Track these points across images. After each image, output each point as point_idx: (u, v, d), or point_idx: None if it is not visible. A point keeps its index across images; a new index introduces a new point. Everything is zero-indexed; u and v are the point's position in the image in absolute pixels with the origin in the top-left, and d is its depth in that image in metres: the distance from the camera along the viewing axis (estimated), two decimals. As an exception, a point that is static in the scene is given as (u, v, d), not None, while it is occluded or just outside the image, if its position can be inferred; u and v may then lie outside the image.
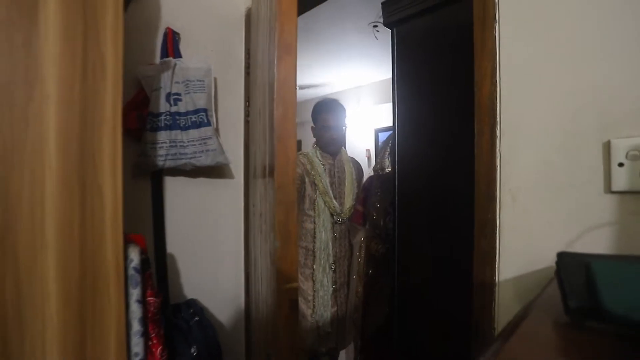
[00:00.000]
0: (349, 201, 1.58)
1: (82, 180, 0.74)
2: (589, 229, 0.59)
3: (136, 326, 0.79)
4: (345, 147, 1.82)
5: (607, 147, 0.57)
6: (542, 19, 0.65)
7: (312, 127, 1.69)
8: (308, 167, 1.55)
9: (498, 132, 0.71)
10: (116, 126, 0.78)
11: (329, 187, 1.53)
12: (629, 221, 0.56)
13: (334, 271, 1.56)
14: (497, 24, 0.71)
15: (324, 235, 1.52)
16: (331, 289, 1.55)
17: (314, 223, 1.53)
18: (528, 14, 0.67)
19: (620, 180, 0.56)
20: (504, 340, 0.33)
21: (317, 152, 1.61)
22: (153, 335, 0.84)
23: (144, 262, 0.83)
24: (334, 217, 1.54)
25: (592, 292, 0.33)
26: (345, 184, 1.60)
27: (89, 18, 0.75)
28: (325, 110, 1.61)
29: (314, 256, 1.53)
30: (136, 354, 0.79)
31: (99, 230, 0.75)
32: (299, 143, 4.91)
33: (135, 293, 0.79)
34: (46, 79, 0.70)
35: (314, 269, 1.53)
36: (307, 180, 1.53)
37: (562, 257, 0.39)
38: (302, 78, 3.90)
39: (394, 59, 1.08)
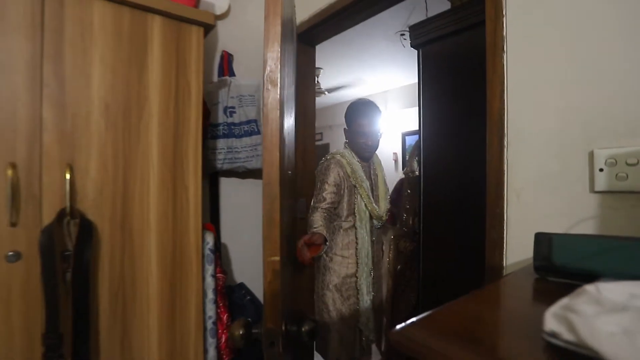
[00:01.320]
0: (384, 204, 1.53)
1: (174, 180, 0.98)
2: (577, 221, 0.75)
3: (210, 294, 1.02)
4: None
5: (591, 156, 0.73)
6: (540, 50, 0.82)
7: (344, 129, 1.57)
8: (348, 170, 1.44)
9: (505, 142, 0.87)
10: (198, 137, 1.02)
11: (370, 191, 1.48)
12: (607, 214, 0.71)
13: (372, 276, 1.50)
14: (505, 53, 0.87)
15: (367, 240, 1.46)
16: (372, 294, 1.48)
17: (355, 228, 1.44)
18: (530, 46, 0.84)
19: (601, 182, 0.71)
20: (489, 284, 0.51)
21: (352, 153, 1.51)
22: (221, 304, 1.07)
23: (216, 245, 1.06)
24: (374, 220, 1.49)
25: (549, 254, 0.50)
26: (379, 187, 1.55)
27: (179, 55, 0.99)
28: (361, 115, 1.49)
29: (357, 264, 1.43)
30: (210, 317, 1.02)
31: (185, 219, 1.00)
32: (327, 146, 5.11)
33: (210, 269, 1.02)
34: (151, 102, 0.95)
35: (357, 277, 1.43)
36: (344, 185, 1.43)
37: (537, 235, 0.56)
38: (331, 83, 4.10)
39: (419, 75, 1.26)
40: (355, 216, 1.43)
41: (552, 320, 0.30)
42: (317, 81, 3.70)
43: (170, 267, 0.97)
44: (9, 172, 0.75)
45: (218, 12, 1.50)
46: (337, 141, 4.75)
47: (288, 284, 0.80)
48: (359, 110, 1.51)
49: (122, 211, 0.90)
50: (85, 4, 0.85)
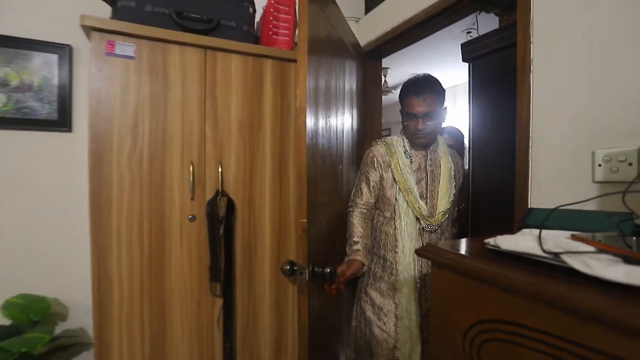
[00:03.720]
0: (443, 203, 1.27)
1: (280, 172, 1.44)
2: (582, 205, 1.00)
3: (303, 254, 1.47)
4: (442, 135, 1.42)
5: (593, 155, 0.97)
6: (558, 70, 1.06)
7: (400, 110, 1.35)
8: (387, 158, 1.29)
9: (530, 143, 1.13)
10: (294, 142, 1.47)
11: (414, 185, 1.26)
12: (604, 199, 0.95)
13: (419, 292, 1.25)
14: (532, 72, 1.13)
15: (408, 244, 1.24)
16: (419, 316, 1.23)
17: (394, 227, 1.27)
18: (550, 66, 1.08)
19: (599, 174, 0.95)
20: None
21: (404, 139, 1.32)
22: (309, 262, 1.51)
23: (306, 219, 1.50)
24: (421, 222, 1.25)
25: (526, 219, 0.80)
26: (440, 182, 1.30)
27: (283, 84, 1.44)
28: (411, 92, 1.26)
29: (396, 270, 1.25)
30: (302, 270, 1.47)
31: (287, 199, 1.45)
32: (394, 141, 5.33)
33: (302, 236, 1.46)
34: (266, 119, 1.41)
35: (396, 288, 1.25)
36: (384, 176, 1.29)
37: (528, 209, 0.86)
38: (398, 81, 4.35)
39: (469, 85, 1.53)
40: (395, 213, 1.27)
41: (490, 239, 0.64)
42: (385, 80, 4.00)
43: (277, 232, 1.44)
44: (191, 167, 1.27)
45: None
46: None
47: (321, 242, 1.14)
48: (408, 86, 1.29)
49: (248, 193, 1.39)
50: (228, 58, 1.34)
